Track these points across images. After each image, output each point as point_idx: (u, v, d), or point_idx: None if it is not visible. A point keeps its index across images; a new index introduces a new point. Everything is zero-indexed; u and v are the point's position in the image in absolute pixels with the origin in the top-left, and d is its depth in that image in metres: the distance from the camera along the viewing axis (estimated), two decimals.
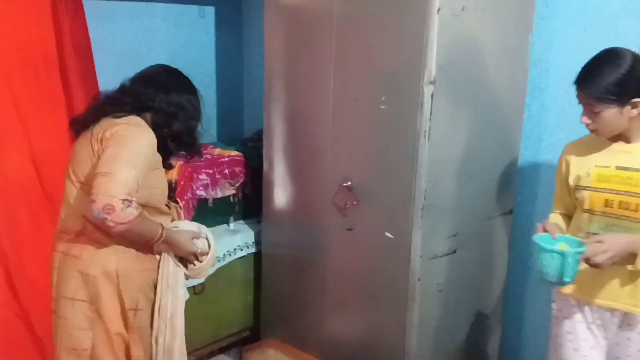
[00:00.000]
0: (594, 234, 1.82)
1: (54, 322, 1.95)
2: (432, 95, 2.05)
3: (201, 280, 2.69)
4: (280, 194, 2.73)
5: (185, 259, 2.05)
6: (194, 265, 2.06)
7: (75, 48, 2.65)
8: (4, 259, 2.50)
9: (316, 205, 2.53)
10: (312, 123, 2.50)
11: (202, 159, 2.85)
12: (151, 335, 2.01)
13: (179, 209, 2.22)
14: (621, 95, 1.71)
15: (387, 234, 2.26)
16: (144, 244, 1.91)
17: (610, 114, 1.74)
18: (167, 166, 2.04)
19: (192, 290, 2.70)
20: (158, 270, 2.00)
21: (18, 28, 2.45)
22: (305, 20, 2.47)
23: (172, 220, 2.09)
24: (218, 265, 2.79)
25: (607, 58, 1.75)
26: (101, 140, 1.82)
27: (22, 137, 2.50)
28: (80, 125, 1.93)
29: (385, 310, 2.34)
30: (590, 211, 1.85)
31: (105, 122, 1.86)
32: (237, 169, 2.95)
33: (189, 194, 2.76)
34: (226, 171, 2.91)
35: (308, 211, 2.61)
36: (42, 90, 2.52)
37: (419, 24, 2.03)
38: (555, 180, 2.04)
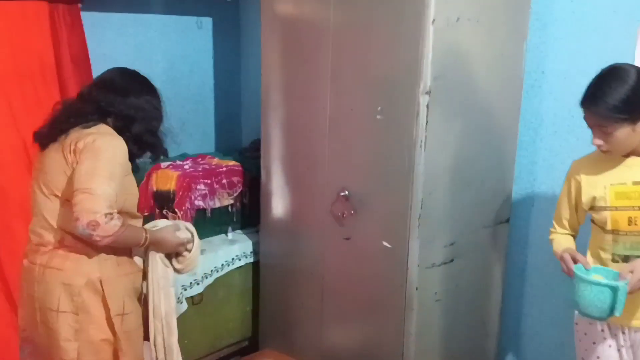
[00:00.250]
0: (619, 254, 1.79)
1: (45, 333, 1.92)
2: (427, 105, 2.07)
3: (198, 282, 2.70)
4: (278, 204, 2.74)
5: (172, 256, 2.08)
6: (184, 256, 2.08)
7: (73, 59, 2.67)
8: (1, 272, 2.49)
9: (314, 214, 2.54)
10: (309, 133, 2.51)
11: (200, 169, 2.86)
12: (148, 337, 2.03)
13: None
14: (632, 112, 1.67)
15: (385, 243, 2.27)
16: (128, 249, 1.93)
17: (624, 132, 1.69)
18: (134, 169, 2.00)
19: (191, 300, 2.70)
20: (144, 274, 2.02)
21: (16, 39, 2.46)
22: (301, 31, 2.49)
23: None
24: (216, 275, 2.79)
25: (612, 76, 1.70)
26: (74, 152, 1.82)
27: (20, 149, 2.50)
28: (46, 138, 1.91)
29: (383, 320, 2.35)
30: (615, 232, 1.79)
31: (75, 133, 1.85)
32: (235, 179, 2.96)
33: (187, 205, 2.77)
34: (224, 181, 2.91)
35: (306, 221, 2.61)
36: (40, 101, 2.51)
37: (415, 35, 2.04)
38: (559, 198, 1.98)
